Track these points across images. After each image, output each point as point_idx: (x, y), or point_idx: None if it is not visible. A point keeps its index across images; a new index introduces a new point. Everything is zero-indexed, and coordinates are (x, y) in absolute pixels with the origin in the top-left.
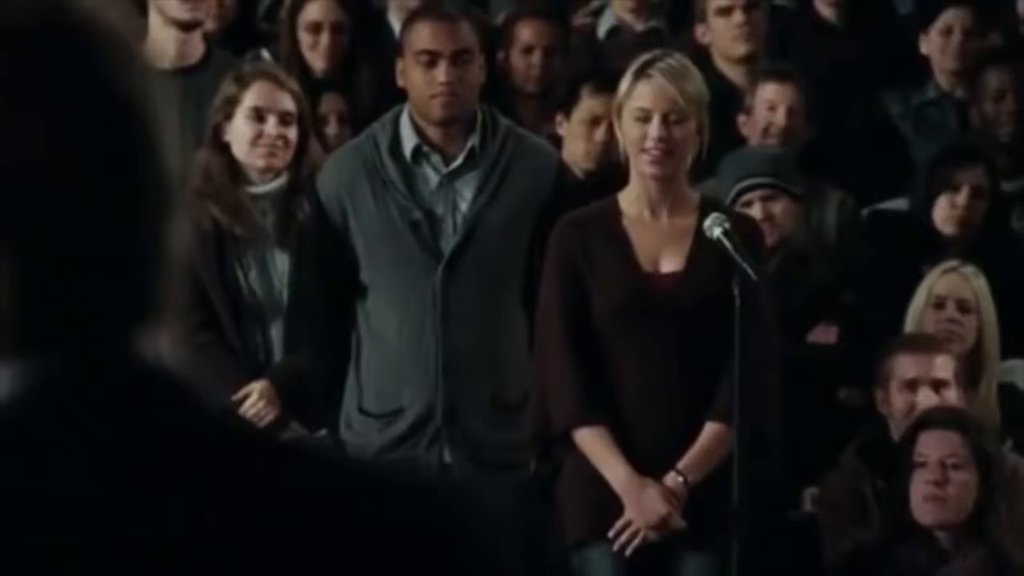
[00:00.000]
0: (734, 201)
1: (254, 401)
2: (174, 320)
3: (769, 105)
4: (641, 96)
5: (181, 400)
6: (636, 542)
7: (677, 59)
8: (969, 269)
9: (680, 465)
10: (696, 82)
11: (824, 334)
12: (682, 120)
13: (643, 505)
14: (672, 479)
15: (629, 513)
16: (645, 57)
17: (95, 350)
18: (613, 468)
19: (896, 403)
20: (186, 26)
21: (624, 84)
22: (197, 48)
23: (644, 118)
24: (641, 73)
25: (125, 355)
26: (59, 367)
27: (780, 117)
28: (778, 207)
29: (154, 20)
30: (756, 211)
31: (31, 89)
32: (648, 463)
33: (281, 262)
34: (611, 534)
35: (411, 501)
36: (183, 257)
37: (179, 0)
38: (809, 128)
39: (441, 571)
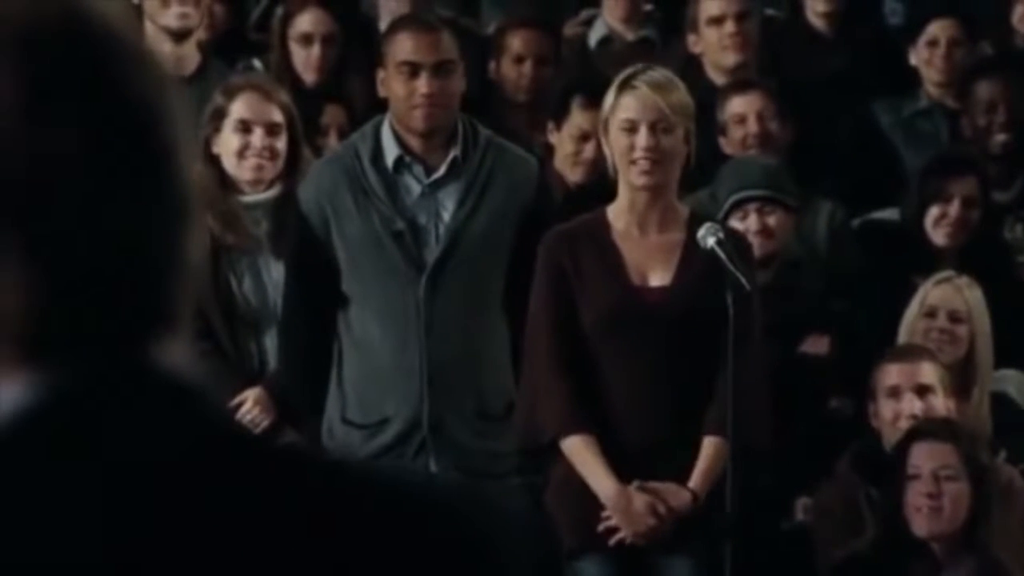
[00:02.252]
0: (729, 212)
1: (249, 408)
2: (186, 328)
3: (738, 118)
4: (627, 107)
5: (201, 408)
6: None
7: (660, 71)
8: (963, 280)
9: (692, 484)
10: (681, 92)
11: (816, 344)
12: (669, 129)
13: (630, 517)
14: (684, 498)
15: (617, 523)
16: (627, 71)
17: (113, 358)
18: (599, 479)
19: (883, 412)
20: (178, 35)
21: (608, 99)
22: (193, 58)
23: (631, 128)
24: (625, 85)
25: (143, 363)
26: (77, 375)
27: (752, 126)
28: (773, 218)
29: (149, 29)
30: (752, 222)
31: (50, 96)
32: (635, 473)
33: (275, 271)
34: (600, 528)
35: (434, 511)
36: (198, 264)
37: (169, 9)
38: (787, 131)
39: None
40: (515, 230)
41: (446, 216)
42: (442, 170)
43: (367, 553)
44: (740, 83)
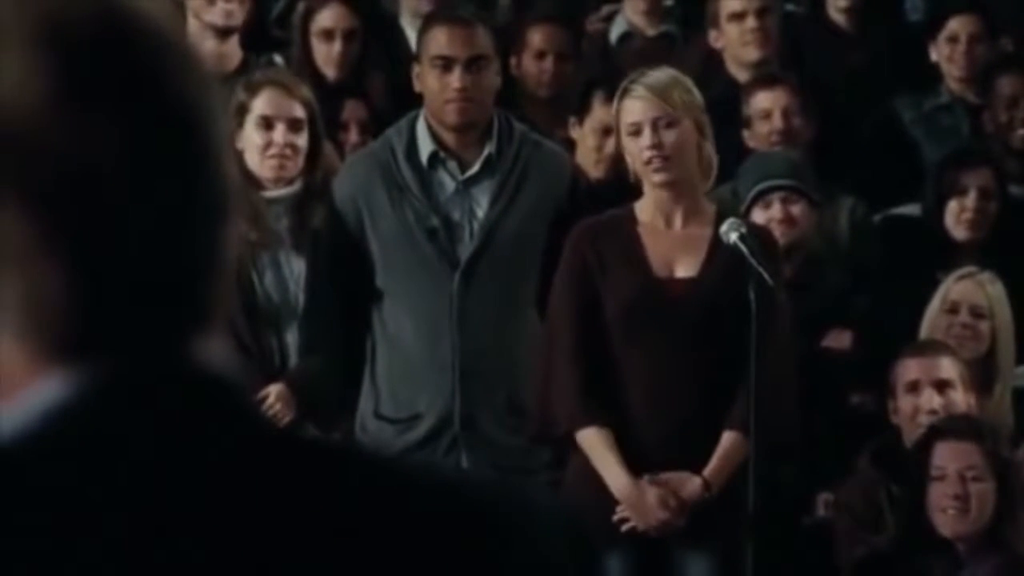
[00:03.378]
0: (753, 202)
1: (271, 403)
2: (220, 325)
3: (763, 113)
4: (629, 111)
5: (238, 405)
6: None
7: (662, 71)
8: (985, 275)
9: (706, 473)
10: (681, 88)
11: (837, 339)
12: (672, 124)
13: (642, 510)
14: (695, 486)
15: (629, 515)
16: (629, 77)
17: (150, 355)
18: (612, 472)
19: (903, 407)
20: (222, 32)
21: (614, 106)
22: (235, 55)
23: (636, 132)
24: (625, 92)
25: (180, 360)
26: (114, 372)
27: (776, 121)
28: (796, 209)
29: (192, 26)
30: (775, 211)
31: (90, 95)
32: (652, 466)
33: (296, 266)
34: (615, 518)
35: (474, 507)
36: (233, 262)
37: (214, 6)
38: (810, 126)
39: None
40: (549, 226)
41: (480, 212)
42: (476, 166)
43: (408, 549)
44: (766, 78)
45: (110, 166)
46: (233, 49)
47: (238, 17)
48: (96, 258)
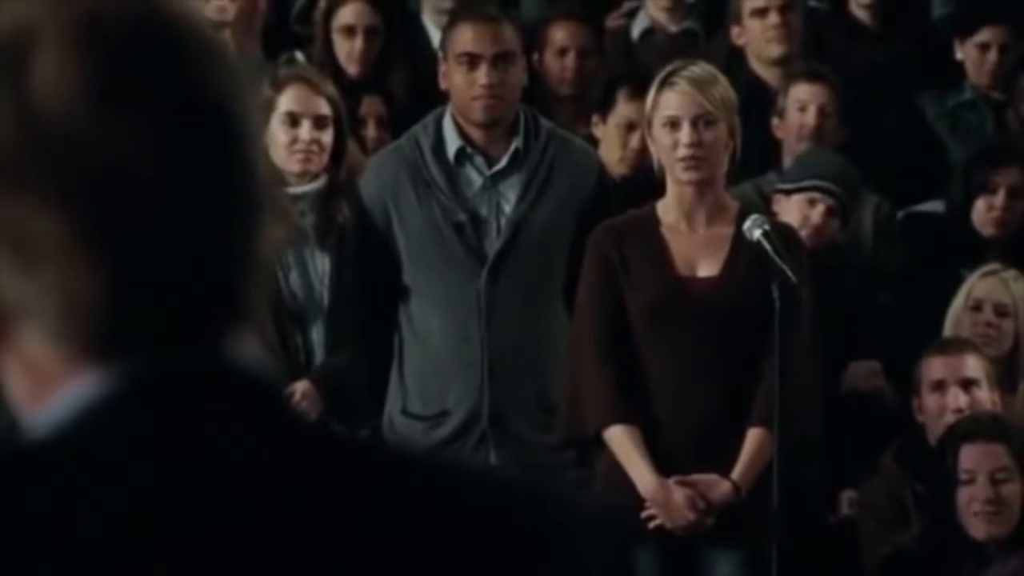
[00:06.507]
0: (800, 190)
1: (296, 401)
2: (255, 322)
3: (800, 106)
4: (668, 104)
5: (272, 402)
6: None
7: (701, 66)
8: (1010, 273)
9: (735, 475)
10: (722, 86)
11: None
12: (712, 124)
13: (669, 510)
14: (725, 490)
15: (657, 515)
16: (668, 67)
17: (185, 353)
18: (639, 472)
19: (928, 406)
20: (215, 27)
21: (650, 96)
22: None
23: (673, 125)
24: (666, 82)
25: (215, 358)
26: (149, 371)
27: (810, 118)
28: (835, 223)
29: None
30: (816, 214)
31: (125, 92)
32: (677, 464)
33: (321, 263)
34: (643, 515)
35: (515, 505)
36: (268, 259)
37: (208, 1)
38: (841, 132)
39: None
40: (576, 221)
41: (507, 208)
42: (503, 162)
43: (456, 546)
44: (810, 72)
45: (146, 165)
46: (226, 41)
47: (230, 12)
48: (132, 256)
